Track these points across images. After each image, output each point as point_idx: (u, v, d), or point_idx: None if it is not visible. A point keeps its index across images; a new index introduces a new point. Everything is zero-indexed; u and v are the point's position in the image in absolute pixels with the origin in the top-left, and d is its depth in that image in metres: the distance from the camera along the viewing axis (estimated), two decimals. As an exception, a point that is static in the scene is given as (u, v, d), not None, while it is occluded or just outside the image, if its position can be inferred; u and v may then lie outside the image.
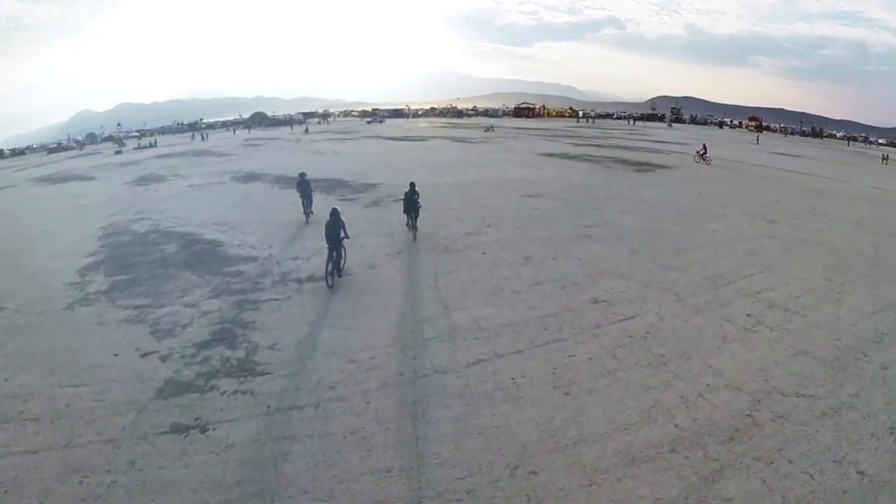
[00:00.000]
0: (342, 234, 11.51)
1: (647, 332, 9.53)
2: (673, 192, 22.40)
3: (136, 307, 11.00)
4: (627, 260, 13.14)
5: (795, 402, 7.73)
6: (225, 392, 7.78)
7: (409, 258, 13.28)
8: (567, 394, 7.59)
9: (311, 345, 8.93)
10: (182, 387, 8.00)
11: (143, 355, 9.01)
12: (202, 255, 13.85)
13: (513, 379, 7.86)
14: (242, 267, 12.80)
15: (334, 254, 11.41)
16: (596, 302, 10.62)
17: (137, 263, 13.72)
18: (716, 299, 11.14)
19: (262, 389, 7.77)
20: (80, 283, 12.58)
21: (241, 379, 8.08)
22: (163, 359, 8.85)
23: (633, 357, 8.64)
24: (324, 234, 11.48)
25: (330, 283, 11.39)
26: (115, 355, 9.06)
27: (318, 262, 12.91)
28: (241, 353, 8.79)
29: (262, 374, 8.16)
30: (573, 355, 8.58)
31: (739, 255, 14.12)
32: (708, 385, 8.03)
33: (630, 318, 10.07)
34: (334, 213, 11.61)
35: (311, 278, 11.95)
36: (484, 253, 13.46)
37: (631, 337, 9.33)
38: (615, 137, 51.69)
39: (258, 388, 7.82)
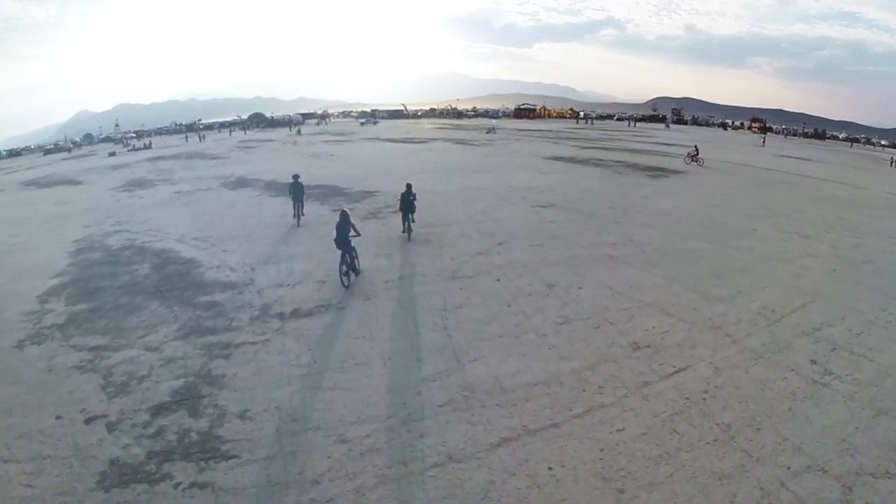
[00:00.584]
0: (352, 234, 11.29)
1: (705, 391, 7.68)
2: (693, 201, 20.55)
3: (92, 349, 9.16)
4: (664, 288, 11.26)
5: (889, 486, 6.04)
6: (180, 484, 5.92)
7: (412, 287, 11.30)
8: (622, 491, 5.73)
9: (291, 413, 7.02)
10: (129, 472, 6.17)
11: (89, 420, 7.19)
12: (175, 280, 11.94)
13: (550, 469, 5.98)
14: (218, 296, 10.88)
15: (346, 256, 11.24)
16: (638, 348, 8.76)
17: (103, 289, 11.86)
18: (773, 341, 9.32)
19: (226, 482, 5.89)
20: (37, 313, 10.79)
21: (202, 464, 6.20)
22: (111, 427, 7.01)
23: (694, 430, 6.78)
24: (334, 238, 11.27)
25: (346, 283, 11.18)
26: (58, 418, 7.30)
27: (305, 290, 11.09)
28: (204, 424, 6.90)
29: (228, 457, 6.28)
30: (622, 429, 6.70)
31: (783, 279, 12.33)
32: (789, 468, 6.22)
33: (682, 370, 8.22)
34: (343, 216, 11.38)
35: (295, 313, 9.98)
36: (498, 280, 11.50)
37: (687, 399, 7.48)
38: (620, 139, 49.78)
39: (221, 479, 5.95)
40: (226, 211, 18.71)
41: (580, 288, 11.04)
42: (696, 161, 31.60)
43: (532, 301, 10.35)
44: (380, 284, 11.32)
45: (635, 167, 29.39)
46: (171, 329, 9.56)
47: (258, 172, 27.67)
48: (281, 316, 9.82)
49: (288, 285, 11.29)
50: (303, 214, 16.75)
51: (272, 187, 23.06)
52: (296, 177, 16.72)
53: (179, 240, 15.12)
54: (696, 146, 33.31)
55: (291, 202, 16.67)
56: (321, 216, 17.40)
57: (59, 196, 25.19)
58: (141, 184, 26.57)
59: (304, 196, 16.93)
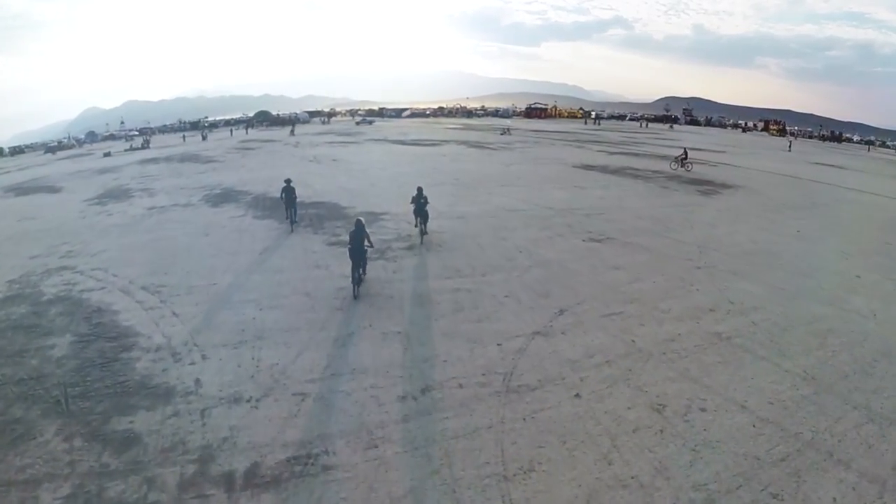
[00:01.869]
0: (367, 245, 10.55)
1: None
2: (766, 230, 16.35)
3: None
4: (815, 403, 7.03)
5: None
6: None
7: (444, 413, 6.78)
8: None
9: None
10: None
11: None
12: (91, 377, 7.76)
13: None
14: (142, 419, 6.66)
15: (358, 268, 10.53)
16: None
17: (-2, 382, 7.86)
18: None
19: None
20: None
21: None
22: None
23: None
24: (347, 245, 10.59)
25: (356, 294, 10.45)
26: None
27: (274, 415, 6.79)
28: None
29: None
30: None
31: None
32: None
33: None
34: (358, 224, 10.57)
35: (251, 479, 5.64)
36: (578, 395, 7.15)
37: None
38: (643, 143, 45.25)
39: None
40: (196, 241, 14.52)
41: (703, 410, 6.80)
42: (685, 166, 27.48)
43: (643, 447, 6.09)
44: (391, 405, 6.92)
45: (678, 179, 25.03)
46: (56, 496, 5.51)
47: (248, 182, 23.56)
48: (228, 482, 5.57)
49: (249, 401, 7.02)
50: (296, 221, 15.84)
51: (259, 204, 18.97)
52: (288, 181, 15.71)
53: (125, 289, 11.04)
54: (685, 149, 29.23)
55: (284, 207, 15.85)
56: (312, 254, 13.18)
57: (29, 209, 21.48)
58: (118, 195, 22.61)
59: (297, 202, 15.96)
